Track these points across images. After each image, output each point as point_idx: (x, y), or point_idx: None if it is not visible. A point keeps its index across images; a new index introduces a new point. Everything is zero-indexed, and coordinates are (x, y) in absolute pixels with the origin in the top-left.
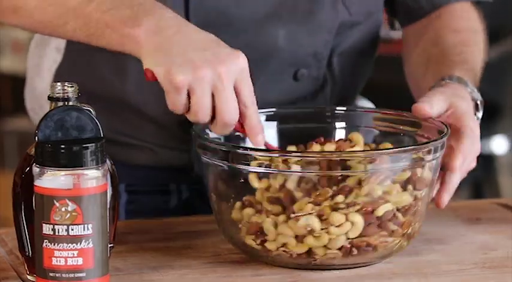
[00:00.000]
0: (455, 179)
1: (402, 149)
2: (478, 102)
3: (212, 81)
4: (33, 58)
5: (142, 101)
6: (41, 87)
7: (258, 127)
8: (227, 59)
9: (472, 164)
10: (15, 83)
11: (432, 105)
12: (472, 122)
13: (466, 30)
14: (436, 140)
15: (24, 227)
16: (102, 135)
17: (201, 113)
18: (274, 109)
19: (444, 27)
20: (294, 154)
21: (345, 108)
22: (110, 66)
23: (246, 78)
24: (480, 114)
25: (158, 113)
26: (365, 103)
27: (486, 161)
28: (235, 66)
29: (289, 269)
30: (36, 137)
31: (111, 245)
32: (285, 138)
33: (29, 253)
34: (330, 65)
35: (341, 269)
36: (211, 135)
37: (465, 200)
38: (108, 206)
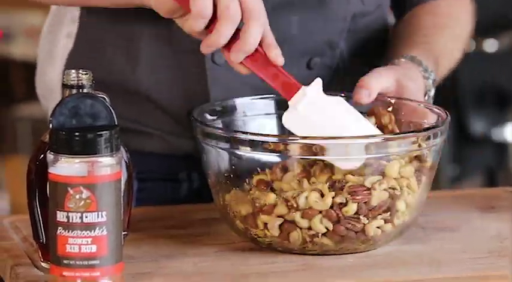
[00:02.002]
0: None
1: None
2: (431, 81)
3: None
4: (45, 44)
5: (153, 89)
6: (52, 74)
7: (274, 43)
8: None
9: None
10: (29, 69)
11: (372, 90)
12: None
13: (444, 16)
14: (440, 126)
15: (38, 214)
16: (116, 123)
17: (232, 8)
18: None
19: (424, 10)
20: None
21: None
22: (121, 53)
23: None
24: (432, 93)
25: (169, 100)
26: None
27: (499, 148)
28: None
29: (303, 257)
30: (51, 124)
31: (125, 232)
32: None
33: (43, 240)
34: (341, 53)
35: (350, 253)
36: (210, 118)
37: (478, 188)
38: (122, 194)
